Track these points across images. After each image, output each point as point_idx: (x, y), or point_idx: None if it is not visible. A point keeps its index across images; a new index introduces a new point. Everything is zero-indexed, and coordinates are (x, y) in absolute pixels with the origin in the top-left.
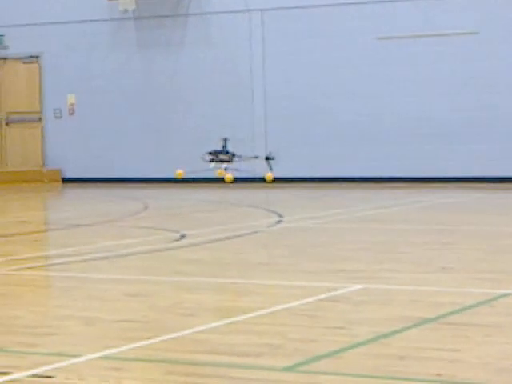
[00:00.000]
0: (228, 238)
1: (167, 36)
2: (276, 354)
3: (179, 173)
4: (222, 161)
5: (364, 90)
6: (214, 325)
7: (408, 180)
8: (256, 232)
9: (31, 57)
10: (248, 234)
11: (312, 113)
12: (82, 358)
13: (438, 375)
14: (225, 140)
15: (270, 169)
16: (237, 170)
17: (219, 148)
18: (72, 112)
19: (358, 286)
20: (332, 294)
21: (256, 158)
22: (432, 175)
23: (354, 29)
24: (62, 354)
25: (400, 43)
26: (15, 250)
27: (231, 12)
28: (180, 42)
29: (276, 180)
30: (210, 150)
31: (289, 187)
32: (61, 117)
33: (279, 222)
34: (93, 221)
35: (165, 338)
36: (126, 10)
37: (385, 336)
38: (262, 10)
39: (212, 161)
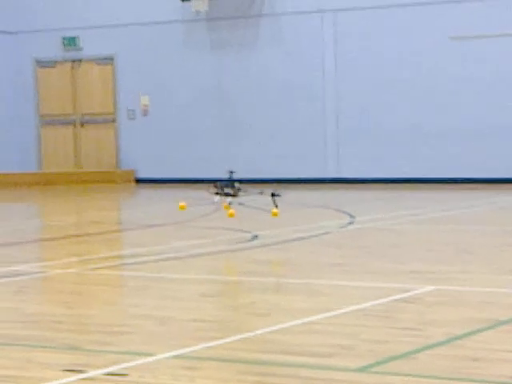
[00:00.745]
0: (300, 238)
1: (239, 37)
2: (348, 355)
3: (181, 206)
4: (227, 194)
5: (435, 88)
6: (286, 325)
7: (481, 181)
8: (327, 233)
9: (105, 58)
10: (319, 234)
11: (381, 111)
12: (156, 357)
13: None
14: (231, 172)
15: (276, 205)
16: (241, 204)
17: (226, 177)
18: (145, 113)
19: (431, 287)
20: (404, 295)
21: (261, 193)
22: (507, 176)
23: (426, 28)
24: (135, 353)
25: (473, 43)
26: (90, 249)
27: (303, 13)
28: (252, 42)
29: (344, 181)
30: (216, 181)
31: (357, 188)
32: (134, 118)
33: (350, 222)
34: (165, 221)
35: (237, 337)
36: (198, 12)
37: (458, 337)
38: (334, 11)
39: (217, 194)
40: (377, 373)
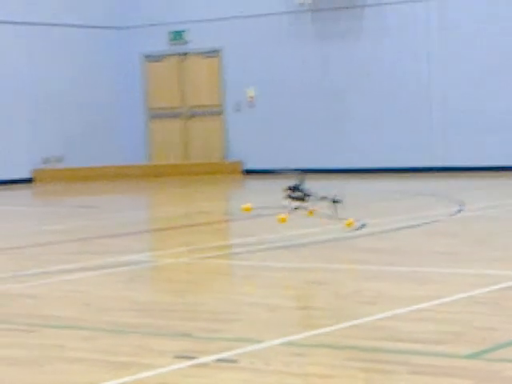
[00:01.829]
0: (408, 226)
1: (344, 27)
2: (458, 342)
3: (282, 218)
4: (296, 198)
5: None
6: (394, 312)
7: None
8: (437, 221)
9: (211, 51)
10: (428, 222)
11: (485, 98)
12: (266, 344)
13: None
14: (302, 176)
15: (336, 213)
16: (305, 208)
17: (298, 182)
18: (252, 105)
19: None
20: None
21: (324, 198)
22: None
23: None
24: (246, 340)
25: None
26: (199, 239)
27: (408, 2)
28: (357, 32)
29: (451, 169)
30: (290, 185)
31: (464, 176)
32: (240, 110)
33: (460, 210)
34: (273, 211)
35: (346, 325)
36: (302, 3)
37: None
38: None
39: (289, 197)
40: (487, 360)
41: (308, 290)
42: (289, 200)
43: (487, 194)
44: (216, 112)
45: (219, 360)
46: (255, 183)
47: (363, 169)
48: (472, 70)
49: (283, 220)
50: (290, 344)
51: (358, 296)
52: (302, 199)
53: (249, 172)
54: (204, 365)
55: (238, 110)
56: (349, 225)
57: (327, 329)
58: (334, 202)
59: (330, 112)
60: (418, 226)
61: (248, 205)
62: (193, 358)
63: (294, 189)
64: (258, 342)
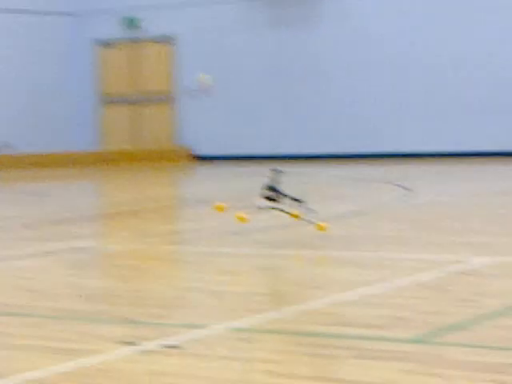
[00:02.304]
0: (356, 212)
1: (298, 14)
2: (404, 326)
3: (241, 217)
4: (272, 199)
5: (499, 57)
6: (342, 297)
7: None
8: (386, 207)
9: (164, 38)
10: (376, 208)
11: (438, 86)
12: (211, 330)
13: None
14: (276, 172)
15: (307, 214)
16: (282, 210)
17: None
18: (204, 92)
19: (487, 259)
20: (460, 266)
21: (295, 200)
22: None
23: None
24: (191, 326)
25: None
26: (147, 225)
27: None
28: (311, 19)
29: (403, 155)
30: (267, 184)
31: (415, 162)
32: (193, 96)
33: (408, 196)
34: (223, 197)
35: (292, 310)
36: None
37: None
38: None
39: (264, 197)
40: (432, 344)
41: (255, 276)
42: (264, 200)
43: (437, 180)
44: (169, 99)
45: (164, 346)
46: (206, 169)
47: (316, 155)
48: (430, 58)
49: (243, 220)
50: (236, 329)
51: (304, 281)
52: (275, 200)
53: (200, 158)
54: (149, 351)
55: (192, 97)
56: (321, 228)
57: (273, 314)
58: (296, 201)
59: (285, 98)
60: (367, 211)
61: (221, 204)
62: (137, 344)
63: (270, 189)
64: (203, 327)
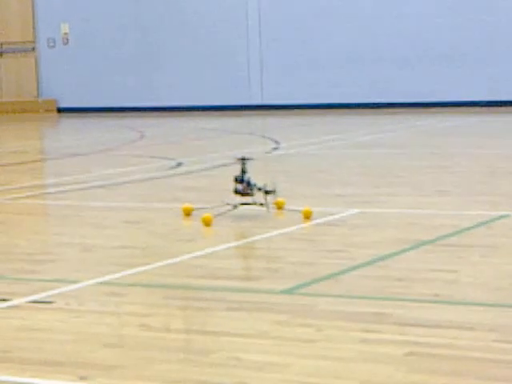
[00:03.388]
0: (224, 164)
1: None
2: (274, 278)
3: (206, 217)
4: (244, 193)
5: (362, 11)
6: (211, 250)
7: (407, 105)
8: (252, 159)
9: None
10: (245, 160)
11: (306, 36)
12: (82, 284)
13: (436, 296)
14: (243, 161)
15: (266, 205)
16: (254, 203)
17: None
18: (66, 42)
19: (356, 210)
20: (329, 218)
21: (260, 189)
22: (431, 100)
23: None
24: (61, 281)
25: None
26: (12, 179)
27: None
28: None
29: (271, 107)
30: (236, 176)
31: (282, 114)
32: (54, 46)
33: (276, 148)
34: (89, 150)
35: (163, 263)
36: None
37: (382, 258)
38: None
39: (236, 192)
40: (303, 294)
41: (125, 229)
42: (236, 195)
43: (304, 132)
44: (28, 49)
45: (34, 301)
46: (70, 121)
47: (179, 107)
48: (294, 7)
49: (208, 219)
50: (106, 284)
51: (175, 234)
52: (248, 194)
53: (63, 110)
54: (18, 307)
55: (52, 47)
56: (306, 214)
57: (144, 268)
58: (267, 192)
59: (145, 49)
60: (235, 163)
61: (188, 205)
62: (6, 299)
63: (240, 182)
64: (74, 282)
